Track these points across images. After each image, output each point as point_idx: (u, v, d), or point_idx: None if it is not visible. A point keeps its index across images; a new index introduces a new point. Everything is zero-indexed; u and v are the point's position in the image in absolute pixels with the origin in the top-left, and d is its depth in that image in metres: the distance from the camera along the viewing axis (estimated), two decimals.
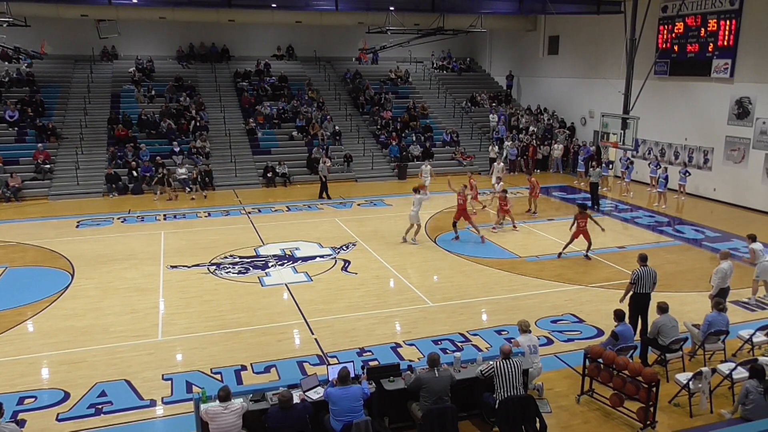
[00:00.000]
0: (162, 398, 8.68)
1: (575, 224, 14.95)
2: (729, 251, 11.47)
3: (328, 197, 21.67)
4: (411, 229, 16.24)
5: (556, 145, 27.00)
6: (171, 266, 14.38)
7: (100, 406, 8.46)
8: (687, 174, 21.34)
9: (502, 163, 21.14)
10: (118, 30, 27.39)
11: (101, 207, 20.74)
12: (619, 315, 9.05)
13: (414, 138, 27.78)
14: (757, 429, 6.05)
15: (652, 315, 9.61)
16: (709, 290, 11.05)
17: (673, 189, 21.46)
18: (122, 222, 18.75)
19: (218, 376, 9.25)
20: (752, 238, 12.30)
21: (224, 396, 6.87)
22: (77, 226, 18.20)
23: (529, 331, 8.78)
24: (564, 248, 15.09)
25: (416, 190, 16.13)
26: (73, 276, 13.80)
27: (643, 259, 10.13)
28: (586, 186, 23.59)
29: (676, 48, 22.63)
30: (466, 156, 27.52)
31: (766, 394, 7.45)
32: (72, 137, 24.87)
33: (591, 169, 21.69)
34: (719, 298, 10.00)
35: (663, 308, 9.22)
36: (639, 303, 10.06)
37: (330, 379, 7.46)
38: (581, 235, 14.88)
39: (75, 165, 23.26)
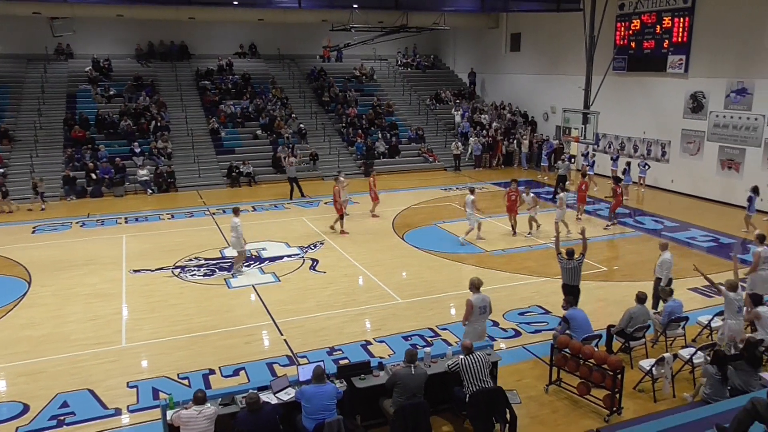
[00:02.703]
0: (127, 406, 8.46)
1: (506, 199, 16.39)
2: (667, 241, 11.60)
3: (302, 195, 21.45)
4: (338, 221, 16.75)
5: (524, 141, 27.33)
6: (134, 270, 14.05)
7: (62, 418, 8.21)
8: (647, 167, 21.92)
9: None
10: (73, 28, 26.60)
11: (58, 211, 20.13)
12: (570, 301, 9.50)
13: (380, 135, 27.80)
14: (715, 411, 6.29)
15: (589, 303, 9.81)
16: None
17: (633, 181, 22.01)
18: (81, 226, 18.23)
19: (186, 381, 9.08)
20: (761, 239, 11.25)
21: (201, 398, 6.72)
22: (33, 232, 17.62)
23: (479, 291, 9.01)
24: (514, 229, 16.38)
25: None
26: (29, 283, 13.35)
27: (570, 254, 10.39)
28: (551, 180, 24.04)
29: (633, 44, 23.19)
30: (432, 153, 27.70)
31: (723, 380, 7.70)
32: (26, 139, 24.04)
33: (560, 162, 22.15)
34: (669, 287, 10.20)
35: (641, 299, 9.43)
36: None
37: (300, 379, 7.41)
38: (513, 214, 16.20)
39: (30, 168, 22.50)
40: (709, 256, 14.89)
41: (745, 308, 9.25)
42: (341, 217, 16.97)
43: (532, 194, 16.60)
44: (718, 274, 11.43)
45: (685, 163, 21.69)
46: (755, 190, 16.63)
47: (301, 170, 24.80)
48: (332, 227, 17.12)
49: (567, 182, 22.05)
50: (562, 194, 16.51)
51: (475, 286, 9.02)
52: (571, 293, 10.30)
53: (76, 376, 9.30)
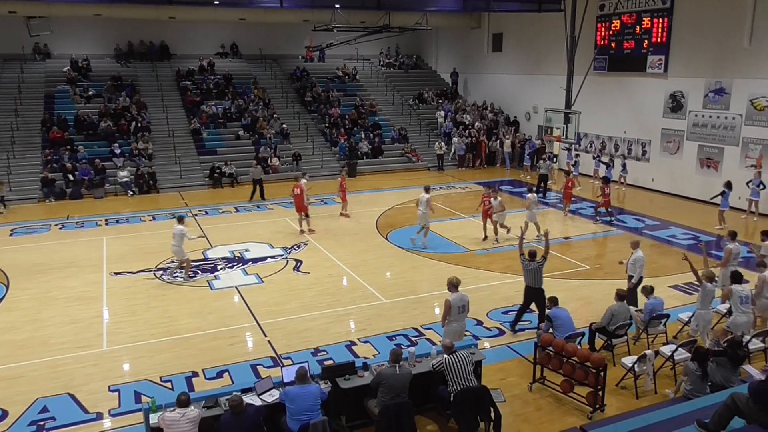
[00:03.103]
0: (109, 410, 8.35)
1: (482, 204, 16.00)
2: (639, 240, 11.66)
3: (263, 198, 21.10)
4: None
5: (507, 140, 27.47)
6: (114, 273, 13.87)
7: (42, 423, 8.07)
8: (609, 165, 22.22)
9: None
10: (50, 27, 26.17)
11: (37, 213, 19.81)
12: (553, 300, 9.51)
13: (363, 135, 27.78)
14: (697, 406, 6.37)
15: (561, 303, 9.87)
16: (648, 278, 11.39)
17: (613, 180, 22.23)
18: (60, 228, 17.96)
19: (168, 384, 8.98)
20: (733, 236, 11.39)
21: (184, 401, 6.66)
22: (11, 234, 17.31)
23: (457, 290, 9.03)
24: (495, 233, 15.97)
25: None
26: (7, 287, 13.11)
27: (532, 255, 10.30)
28: (533, 180, 24.20)
29: (613, 45, 23.44)
30: (415, 153, 27.75)
31: (704, 375, 7.81)
32: (2, 140, 23.61)
33: (542, 161, 22.33)
34: (649, 285, 10.32)
35: (621, 296, 9.56)
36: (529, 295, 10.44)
37: (285, 380, 7.37)
38: (488, 218, 15.85)
39: (7, 170, 22.11)
40: (690, 254, 15.07)
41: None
42: (306, 216, 16.93)
43: (499, 199, 16.01)
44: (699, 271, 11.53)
45: (665, 162, 21.98)
46: (728, 185, 16.95)
47: (284, 171, 24.74)
48: (302, 231, 16.97)
49: (549, 181, 22.27)
50: (530, 195, 16.26)
51: (453, 285, 9.06)
52: (534, 296, 10.26)
53: (56, 380, 9.16)
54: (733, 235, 11.52)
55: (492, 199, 15.85)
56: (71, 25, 28.28)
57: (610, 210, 18.05)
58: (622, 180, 22.27)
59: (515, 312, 10.82)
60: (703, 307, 9.47)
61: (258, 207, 20.40)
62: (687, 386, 7.98)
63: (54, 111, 25.43)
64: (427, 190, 15.69)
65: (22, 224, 18.32)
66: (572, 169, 21.88)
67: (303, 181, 17.07)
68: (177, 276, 13.51)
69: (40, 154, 23.39)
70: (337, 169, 25.82)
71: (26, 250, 15.87)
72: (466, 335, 9.52)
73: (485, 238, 16.12)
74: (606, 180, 18.34)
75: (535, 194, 16.88)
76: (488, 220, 16.07)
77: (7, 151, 23.02)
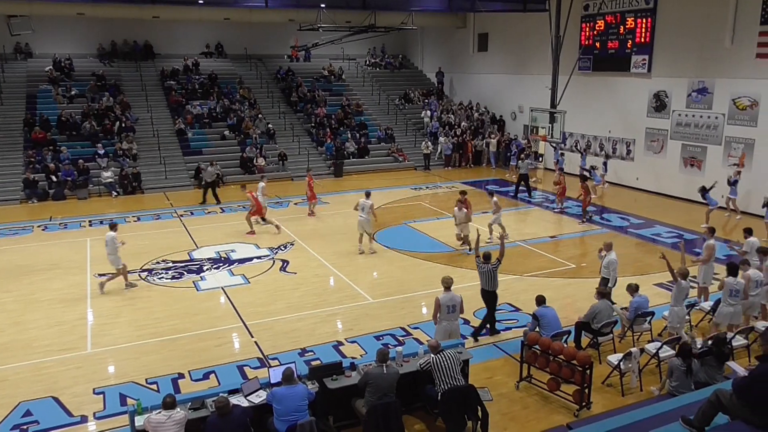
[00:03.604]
0: (94, 413, 8.26)
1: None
2: (612, 242, 11.47)
3: (217, 200, 20.61)
4: None
5: (492, 140, 27.59)
6: (99, 274, 13.70)
7: (25, 427, 7.96)
8: (600, 165, 22.44)
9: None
10: (31, 26, 25.82)
11: (19, 214, 19.54)
12: (538, 300, 9.51)
13: (349, 135, 27.73)
14: (681, 403, 6.42)
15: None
16: (633, 276, 11.49)
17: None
18: (43, 230, 17.73)
19: (154, 386, 8.91)
20: (712, 232, 11.64)
21: (170, 403, 6.61)
22: None
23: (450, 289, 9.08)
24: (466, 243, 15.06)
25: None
26: None
27: (486, 258, 10.15)
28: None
29: (598, 45, 23.62)
30: (402, 153, 27.77)
31: (688, 372, 7.90)
32: None
33: (520, 161, 22.43)
34: (635, 283, 10.41)
35: (602, 294, 9.64)
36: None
37: (272, 381, 7.34)
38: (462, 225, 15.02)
39: None
40: (674, 252, 15.24)
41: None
42: (262, 218, 16.98)
43: (495, 199, 15.76)
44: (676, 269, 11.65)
45: (650, 161, 22.19)
46: (703, 189, 17.40)
47: (270, 171, 24.63)
48: (277, 228, 16.98)
49: (533, 179, 22.40)
50: (495, 198, 15.77)
51: (445, 284, 9.09)
52: (488, 299, 10.17)
53: (39, 383, 9.04)
54: (712, 231, 11.72)
55: (457, 209, 15.01)
56: (53, 24, 27.93)
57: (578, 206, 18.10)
58: (602, 178, 22.44)
59: (502, 310, 10.84)
60: (676, 304, 9.59)
61: (279, 204, 20.17)
62: (672, 383, 8.07)
63: (36, 111, 25.10)
64: (368, 195, 15.47)
65: (3, 226, 18.06)
66: (590, 173, 21.59)
67: (261, 184, 17.27)
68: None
69: (22, 155, 23.06)
70: (324, 169, 25.86)
71: (8, 251, 15.64)
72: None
73: (463, 243, 15.25)
74: (585, 178, 18.41)
75: (497, 198, 16.04)
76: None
77: None
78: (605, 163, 22.54)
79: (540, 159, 26.61)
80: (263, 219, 17.21)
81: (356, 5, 23.11)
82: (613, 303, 10.19)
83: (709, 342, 8.35)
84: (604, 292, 9.71)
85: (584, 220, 18.03)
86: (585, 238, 16.77)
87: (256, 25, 30.61)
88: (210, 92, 28.47)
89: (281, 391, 6.92)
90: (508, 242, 15.72)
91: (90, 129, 24.57)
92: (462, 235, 15.16)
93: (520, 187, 21.32)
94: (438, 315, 9.07)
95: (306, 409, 6.95)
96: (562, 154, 23.93)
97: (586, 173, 21.29)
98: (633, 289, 10.03)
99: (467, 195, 15.58)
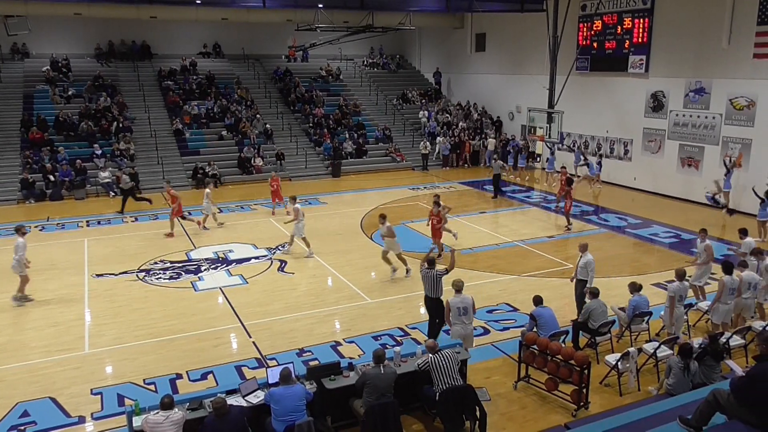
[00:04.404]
0: (91, 414, 8.25)
1: (430, 222, 14.48)
2: (587, 243, 11.12)
3: (122, 211, 19.40)
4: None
5: (490, 140, 27.61)
6: (96, 275, 13.70)
7: (22, 428, 7.95)
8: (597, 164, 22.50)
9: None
10: (28, 26, 25.73)
11: (16, 215, 19.47)
12: (535, 300, 9.50)
13: (347, 135, 27.73)
14: (679, 403, 6.44)
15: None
16: (631, 276, 11.49)
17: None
18: (40, 230, 17.69)
19: (152, 387, 8.89)
20: (705, 233, 11.61)
21: (168, 403, 6.59)
22: None
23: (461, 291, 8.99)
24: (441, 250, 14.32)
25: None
26: None
27: (430, 263, 9.83)
28: (515, 179, 24.40)
29: (595, 45, 23.65)
30: (399, 153, 27.77)
31: (686, 369, 7.92)
32: None
33: (493, 161, 22.35)
34: (638, 283, 10.43)
35: (594, 293, 9.63)
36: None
37: (270, 381, 7.33)
38: (437, 238, 14.23)
39: None
40: (671, 252, 15.29)
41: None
42: (181, 218, 16.90)
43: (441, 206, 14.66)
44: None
45: (647, 161, 22.22)
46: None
47: (267, 171, 24.61)
48: (203, 225, 17.05)
49: (526, 178, 22.37)
50: (440, 208, 14.58)
51: (455, 287, 9.04)
52: (431, 306, 9.80)
53: (37, 384, 9.02)
54: (704, 232, 11.74)
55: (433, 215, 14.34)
56: (50, 24, 27.88)
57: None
58: (596, 177, 22.45)
59: (500, 310, 10.83)
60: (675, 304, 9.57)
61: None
62: (669, 381, 8.08)
63: (33, 111, 25.04)
64: (294, 199, 15.48)
65: (1, 226, 18.00)
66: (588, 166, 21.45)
67: (207, 191, 17.31)
68: (30, 299, 12.20)
69: (19, 155, 23.02)
70: (322, 169, 25.85)
71: (5, 252, 15.56)
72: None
73: (440, 255, 14.13)
74: (570, 182, 17.50)
75: (440, 207, 14.68)
76: (437, 240, 14.47)
77: None
78: (599, 163, 22.52)
79: (537, 159, 26.64)
80: (182, 218, 16.89)
81: (354, 5, 23.12)
82: (621, 307, 10.21)
83: (704, 340, 8.38)
84: (595, 292, 9.69)
85: (564, 227, 17.23)
86: (582, 238, 16.76)
87: (254, 25, 30.59)
88: (207, 92, 28.44)
89: (279, 391, 6.91)
90: (507, 242, 15.81)
91: (87, 129, 24.52)
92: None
93: (491, 186, 21.13)
94: (450, 318, 8.99)
95: (304, 410, 6.95)
96: (552, 153, 23.99)
97: (574, 177, 21.36)
98: (635, 287, 10.00)
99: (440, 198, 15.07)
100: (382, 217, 13.48)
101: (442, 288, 9.73)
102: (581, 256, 10.76)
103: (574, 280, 10.92)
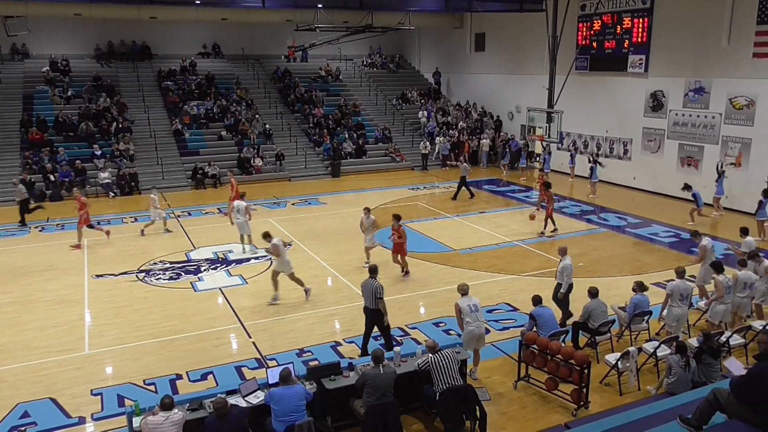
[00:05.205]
0: (92, 414, 8.25)
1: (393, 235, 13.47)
2: (566, 246, 11.08)
3: (23, 223, 18.09)
4: None
5: (484, 140, 27.62)
6: (96, 275, 13.70)
7: (23, 428, 7.95)
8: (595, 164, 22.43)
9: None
10: (28, 27, 25.75)
11: (15, 215, 19.44)
12: (535, 300, 9.45)
13: (346, 135, 27.73)
14: (679, 402, 6.44)
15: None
16: (631, 275, 11.48)
17: (584, 176, 22.42)
18: (40, 231, 17.69)
19: (152, 387, 8.89)
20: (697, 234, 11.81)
21: (168, 404, 6.59)
22: None
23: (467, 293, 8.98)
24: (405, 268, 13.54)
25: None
26: None
27: (373, 272, 9.67)
28: (514, 180, 24.39)
29: (594, 44, 23.65)
30: (399, 153, 27.77)
31: (687, 367, 7.92)
32: None
33: (459, 163, 22.21)
34: (642, 282, 10.44)
35: (593, 293, 9.64)
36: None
37: (270, 382, 7.34)
38: (402, 254, 13.34)
39: None
40: (671, 251, 15.29)
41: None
42: (89, 226, 15.99)
43: (372, 218, 14.14)
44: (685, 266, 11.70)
45: (647, 161, 22.23)
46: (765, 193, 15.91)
47: (267, 171, 24.64)
48: (143, 230, 16.83)
49: (522, 178, 22.33)
50: (363, 215, 14.10)
51: (461, 291, 9.00)
52: (371, 317, 9.48)
53: (37, 384, 9.02)
54: (696, 233, 11.75)
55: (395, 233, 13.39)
56: (50, 24, 27.88)
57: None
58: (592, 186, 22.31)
59: (500, 310, 10.81)
60: (673, 303, 9.60)
61: (277, 204, 19.34)
62: (669, 380, 8.09)
63: (33, 112, 25.03)
64: (242, 197, 15.34)
65: (1, 227, 18.01)
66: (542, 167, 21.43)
67: (153, 196, 17.04)
68: None
69: (19, 156, 23.02)
70: (321, 169, 25.85)
71: (6, 253, 15.61)
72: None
73: (406, 273, 13.57)
74: (548, 185, 16.79)
75: (370, 216, 14.17)
76: (402, 255, 13.47)
77: None
78: (592, 168, 21.96)
79: (537, 159, 26.64)
80: (90, 227, 16.02)
81: (353, 5, 23.12)
82: (621, 306, 10.20)
83: (699, 338, 8.41)
84: (594, 291, 9.70)
85: (549, 231, 16.57)
86: (581, 238, 16.77)
87: (254, 26, 30.61)
88: (207, 93, 28.43)
89: (279, 391, 6.91)
90: (507, 242, 15.80)
91: (87, 130, 24.52)
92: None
93: (462, 189, 20.67)
94: (462, 318, 8.85)
95: (304, 410, 6.95)
96: (549, 153, 23.99)
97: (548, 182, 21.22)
98: (639, 286, 10.00)
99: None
100: (267, 235, 12.13)
101: (379, 300, 9.30)
102: (561, 260, 10.63)
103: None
